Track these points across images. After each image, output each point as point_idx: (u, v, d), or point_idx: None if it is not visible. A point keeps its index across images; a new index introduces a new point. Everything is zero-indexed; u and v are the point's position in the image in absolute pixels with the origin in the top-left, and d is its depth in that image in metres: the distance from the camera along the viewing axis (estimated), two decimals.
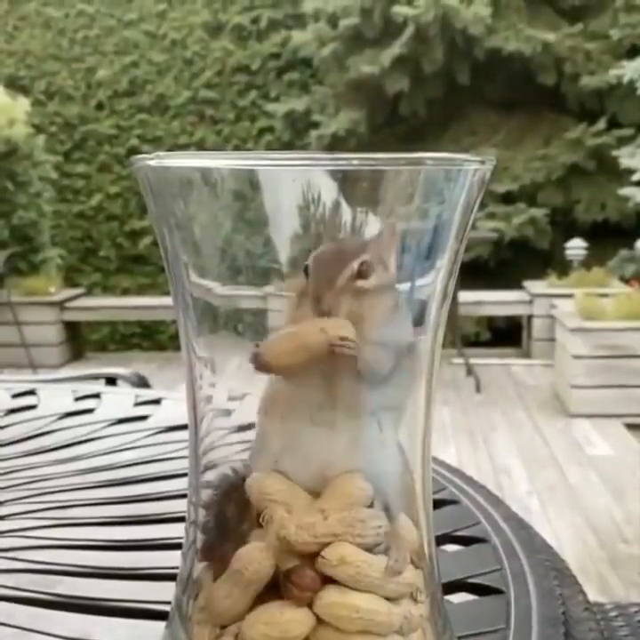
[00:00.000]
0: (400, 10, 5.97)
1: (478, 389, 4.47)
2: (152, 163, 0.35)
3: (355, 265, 0.34)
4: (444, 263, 0.36)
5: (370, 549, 0.34)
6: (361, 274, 0.35)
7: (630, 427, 3.78)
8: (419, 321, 0.36)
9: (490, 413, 4.07)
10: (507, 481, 3.14)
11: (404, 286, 0.36)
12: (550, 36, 6.04)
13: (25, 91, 6.66)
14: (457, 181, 0.35)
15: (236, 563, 0.35)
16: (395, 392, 0.36)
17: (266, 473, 0.35)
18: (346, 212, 0.34)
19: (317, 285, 0.35)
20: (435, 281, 0.36)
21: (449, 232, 0.36)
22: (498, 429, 3.81)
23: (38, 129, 6.36)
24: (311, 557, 0.34)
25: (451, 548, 0.58)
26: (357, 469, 0.35)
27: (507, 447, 3.56)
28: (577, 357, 3.99)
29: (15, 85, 6.64)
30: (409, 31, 6.03)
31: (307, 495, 0.35)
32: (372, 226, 0.34)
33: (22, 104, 5.71)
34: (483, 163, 0.35)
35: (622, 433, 3.72)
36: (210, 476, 0.38)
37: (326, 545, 0.34)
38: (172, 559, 0.43)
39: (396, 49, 6.10)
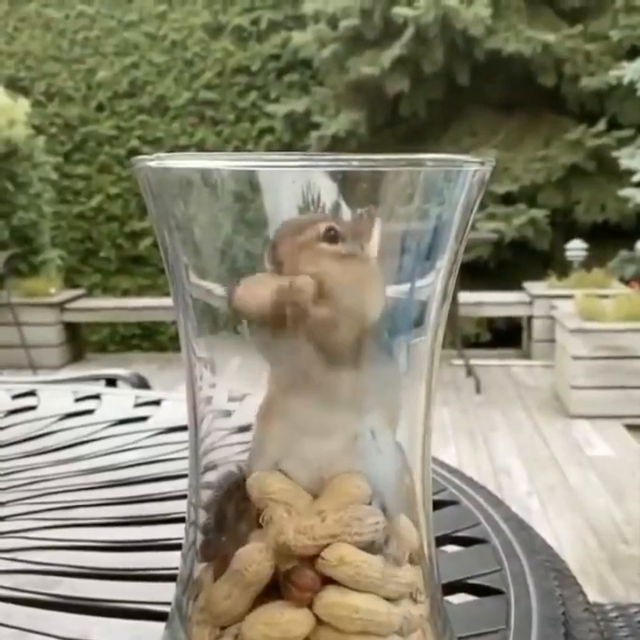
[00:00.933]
0: (400, 11, 5.98)
1: (478, 390, 4.47)
2: (152, 163, 0.35)
3: (321, 227, 0.33)
4: (444, 264, 0.36)
5: (369, 548, 0.34)
6: (326, 238, 0.34)
7: (630, 428, 3.78)
8: (418, 321, 0.37)
9: (490, 414, 4.07)
10: (507, 481, 3.14)
11: (404, 287, 0.36)
12: (550, 37, 6.04)
13: (25, 92, 6.66)
14: (457, 182, 0.35)
15: (236, 563, 0.35)
16: (379, 385, 0.35)
17: (267, 472, 0.35)
18: (346, 214, 0.34)
19: (277, 243, 0.33)
20: (435, 282, 0.36)
21: (449, 233, 0.36)
22: (498, 430, 3.81)
23: (38, 130, 6.36)
24: (311, 558, 0.34)
25: (450, 548, 0.58)
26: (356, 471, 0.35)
27: (507, 448, 3.56)
28: (577, 358, 3.99)
29: (15, 86, 6.65)
30: (409, 32, 6.03)
31: (307, 495, 0.35)
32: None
33: (22, 105, 5.71)
34: (482, 164, 0.36)
35: (622, 434, 3.72)
36: (210, 476, 0.38)
37: (326, 546, 0.34)
38: (172, 560, 0.43)
39: (396, 50, 6.10)
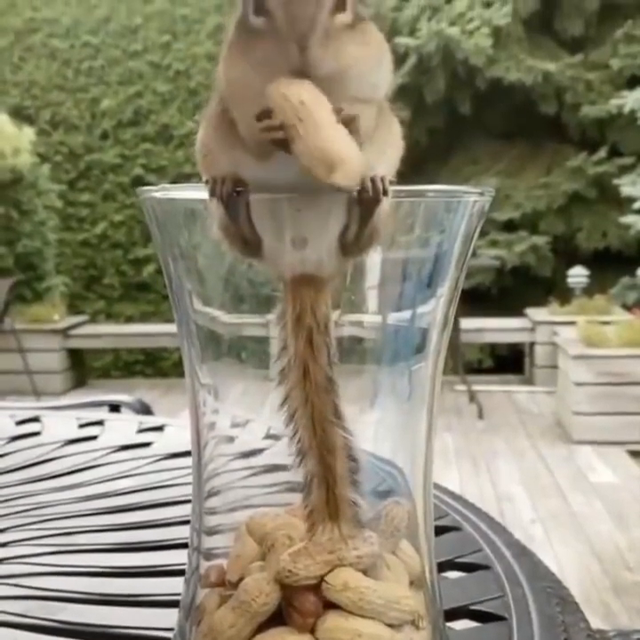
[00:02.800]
0: (402, 40, 6.03)
1: (481, 416, 4.46)
2: (157, 194, 0.36)
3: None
4: (445, 291, 0.37)
5: (367, 570, 0.35)
6: (338, 5, 0.31)
7: (633, 454, 3.77)
8: (420, 348, 0.37)
9: (492, 440, 4.06)
10: (509, 508, 3.12)
11: (406, 314, 0.36)
12: (551, 66, 6.09)
13: (30, 120, 6.71)
14: (457, 212, 0.36)
15: (242, 594, 0.35)
16: None
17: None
18: None
19: (294, 23, 0.29)
20: (436, 309, 0.37)
21: (449, 261, 0.36)
22: (500, 456, 3.80)
23: (43, 158, 6.40)
24: (312, 587, 0.34)
25: (453, 574, 0.58)
26: None
27: (509, 474, 3.54)
28: (579, 384, 3.98)
29: (20, 115, 6.69)
30: (411, 61, 6.08)
31: (303, 525, 0.35)
32: (373, 255, 0.35)
33: (27, 133, 5.76)
34: (482, 194, 0.36)
35: (625, 460, 3.71)
36: (213, 502, 0.38)
37: (328, 572, 0.34)
38: (173, 586, 0.43)
39: (397, 79, 6.15)
